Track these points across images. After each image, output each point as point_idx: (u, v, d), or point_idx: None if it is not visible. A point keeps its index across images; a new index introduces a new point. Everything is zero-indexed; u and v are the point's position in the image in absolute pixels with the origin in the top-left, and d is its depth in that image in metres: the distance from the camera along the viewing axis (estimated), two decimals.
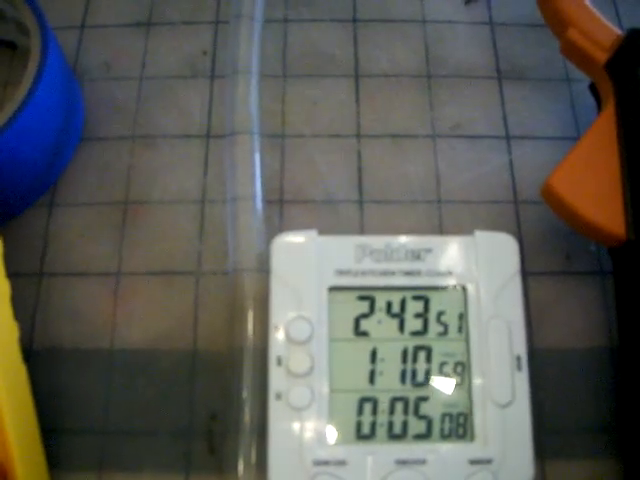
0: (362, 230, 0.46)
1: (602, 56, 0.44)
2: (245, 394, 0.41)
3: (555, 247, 0.46)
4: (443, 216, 0.46)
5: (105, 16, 0.53)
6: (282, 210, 0.46)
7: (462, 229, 0.42)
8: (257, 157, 0.46)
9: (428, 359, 0.39)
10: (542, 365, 0.43)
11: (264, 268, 0.42)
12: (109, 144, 0.49)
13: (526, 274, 0.44)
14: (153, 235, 0.46)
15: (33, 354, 0.43)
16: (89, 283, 0.45)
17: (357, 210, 0.47)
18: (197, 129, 0.49)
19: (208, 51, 0.52)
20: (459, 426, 0.38)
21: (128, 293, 0.44)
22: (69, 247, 0.46)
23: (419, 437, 0.38)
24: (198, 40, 0.52)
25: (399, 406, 0.39)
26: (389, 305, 0.40)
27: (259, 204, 0.45)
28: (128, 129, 0.49)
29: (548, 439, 0.41)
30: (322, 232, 0.41)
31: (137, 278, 0.45)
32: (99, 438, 0.41)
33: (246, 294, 0.43)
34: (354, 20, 0.53)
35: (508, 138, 0.49)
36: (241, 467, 0.39)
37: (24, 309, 0.44)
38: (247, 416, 0.40)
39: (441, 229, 0.46)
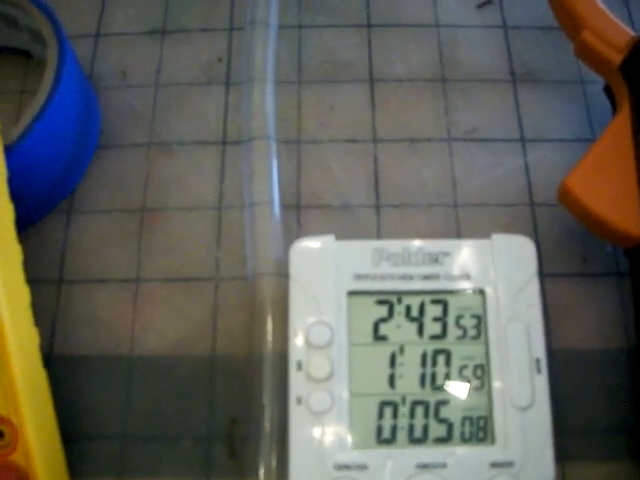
0: (379, 234, 0.46)
1: (617, 57, 0.44)
2: (265, 399, 0.41)
3: (572, 249, 0.46)
4: (460, 220, 0.46)
5: (120, 24, 0.53)
6: (299, 215, 0.47)
7: (479, 232, 0.42)
8: (274, 163, 0.47)
9: (447, 363, 0.39)
10: (560, 367, 0.43)
11: (282, 273, 0.42)
12: (126, 151, 0.49)
13: (543, 276, 0.44)
14: (171, 242, 0.46)
15: (53, 360, 0.43)
16: (108, 290, 0.45)
17: (374, 214, 0.47)
18: (213, 135, 0.49)
19: (223, 58, 0.52)
20: (479, 429, 0.38)
21: (147, 300, 0.45)
22: (87, 254, 0.46)
23: (440, 441, 0.38)
24: (213, 47, 0.52)
25: (419, 410, 0.39)
26: (408, 309, 0.40)
27: (276, 209, 0.45)
28: (145, 136, 0.49)
29: (567, 441, 0.41)
30: (339, 237, 0.41)
31: (156, 285, 0.45)
32: (119, 444, 0.41)
33: (265, 299, 0.43)
34: (368, 25, 0.53)
35: (523, 141, 0.49)
36: (262, 472, 0.40)
37: (44, 316, 0.44)
38: (267, 421, 0.40)
39: (458, 233, 0.46)
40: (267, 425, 0.40)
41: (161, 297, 0.45)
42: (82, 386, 0.43)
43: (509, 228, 0.44)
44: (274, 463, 0.40)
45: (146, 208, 0.47)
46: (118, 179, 0.48)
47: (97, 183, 0.48)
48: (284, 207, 0.46)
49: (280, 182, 0.46)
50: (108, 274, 0.45)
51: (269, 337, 0.42)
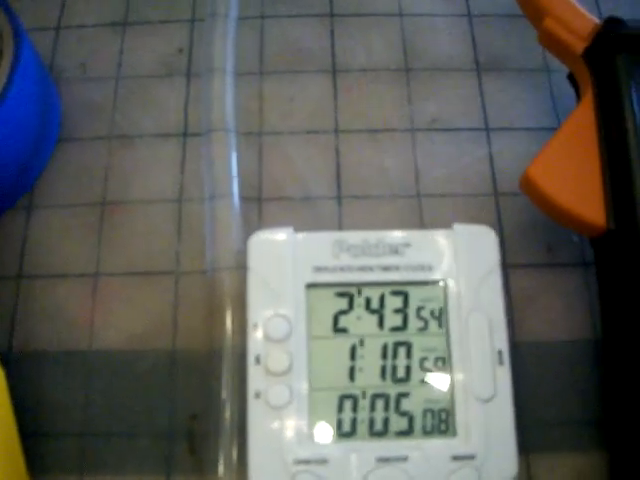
0: (341, 226, 0.46)
1: (580, 45, 0.43)
2: (225, 394, 0.40)
3: (536, 239, 0.45)
4: (423, 210, 0.46)
5: (81, 17, 0.53)
6: (260, 208, 0.46)
7: (442, 223, 0.41)
8: (234, 155, 0.46)
9: (408, 355, 0.39)
10: (526, 358, 0.42)
11: (243, 266, 0.41)
12: (86, 145, 0.48)
13: (507, 267, 0.44)
14: (131, 235, 0.46)
15: (12, 357, 0.42)
16: (68, 285, 0.44)
17: (336, 206, 0.46)
18: (174, 128, 0.49)
19: (184, 49, 0.51)
20: (441, 422, 0.38)
21: (107, 294, 0.44)
22: (48, 249, 0.45)
23: (401, 434, 0.38)
24: (174, 39, 0.52)
25: (380, 403, 0.38)
26: (368, 301, 0.39)
27: (236, 202, 0.45)
28: (105, 129, 0.49)
29: (533, 433, 0.41)
30: (301, 229, 0.40)
31: (116, 279, 0.45)
32: (79, 441, 0.41)
33: (224, 293, 0.42)
34: (331, 15, 0.53)
35: (488, 130, 0.49)
36: (221, 468, 0.39)
37: (3, 312, 0.44)
38: (227, 416, 0.40)
39: (421, 223, 0.46)
40: (227, 420, 0.40)
41: (121, 291, 0.44)
42: (41, 382, 0.42)
43: (473, 218, 0.43)
44: (234, 459, 0.39)
45: (107, 202, 0.46)
46: (79, 173, 0.48)
47: (57, 177, 0.47)
48: (245, 199, 0.46)
49: (241, 174, 0.46)
50: (68, 269, 0.45)
51: (228, 331, 0.41)
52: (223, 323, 0.42)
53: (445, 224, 0.41)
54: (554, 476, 0.41)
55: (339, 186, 0.47)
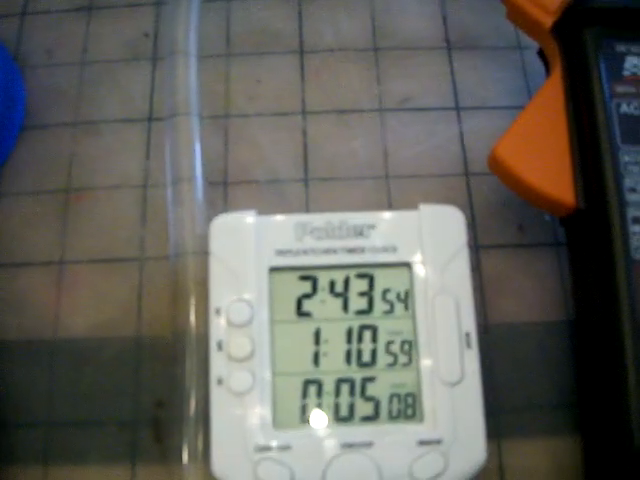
0: (308, 209, 0.45)
1: (548, 20, 0.42)
2: (189, 381, 0.40)
3: (508, 219, 0.44)
4: (392, 192, 0.45)
5: (46, 2, 0.52)
6: (226, 192, 0.45)
7: (412, 204, 0.40)
8: (197, 138, 0.45)
9: (374, 338, 0.38)
10: (497, 341, 0.42)
11: (207, 251, 0.40)
12: (51, 131, 0.48)
13: (478, 248, 0.43)
14: (96, 222, 0.45)
15: None
16: (32, 273, 0.44)
17: (302, 189, 0.46)
18: (139, 113, 0.48)
19: (150, 33, 0.51)
20: (408, 407, 0.37)
21: (71, 282, 0.44)
22: (12, 237, 0.45)
23: (366, 419, 0.37)
24: (140, 23, 0.51)
25: (345, 388, 0.37)
26: (332, 284, 0.39)
27: (200, 186, 0.44)
28: (70, 115, 0.48)
29: (504, 417, 0.40)
30: (268, 212, 0.39)
31: (80, 266, 0.44)
32: (44, 430, 0.41)
33: (188, 278, 0.42)
34: None
35: (458, 109, 0.48)
36: (186, 455, 0.38)
37: None
38: (192, 403, 0.39)
39: (390, 205, 0.45)
40: (191, 407, 0.39)
41: (85, 279, 0.44)
42: (5, 372, 0.42)
43: (443, 199, 0.42)
44: (200, 446, 0.39)
45: (71, 188, 0.46)
46: (43, 160, 0.47)
47: (22, 164, 0.47)
48: (211, 184, 0.45)
49: (206, 158, 0.45)
50: (32, 257, 0.44)
51: (192, 317, 0.41)
52: (187, 309, 0.41)
53: (414, 206, 0.40)
54: (527, 461, 0.40)
55: (306, 168, 0.46)
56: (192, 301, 0.41)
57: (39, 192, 0.46)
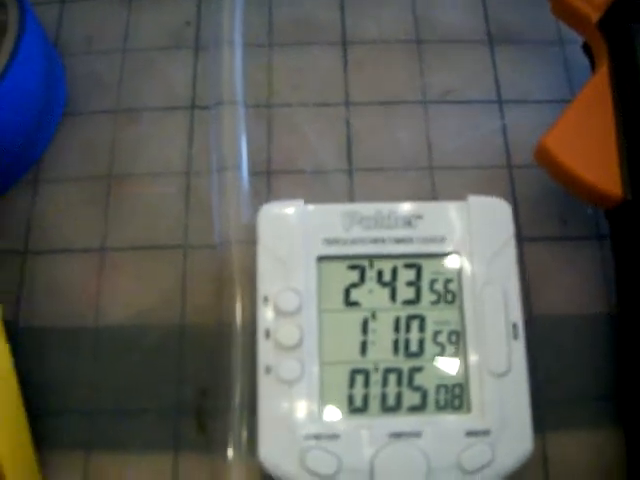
0: (352, 199, 0.45)
1: (594, 14, 0.43)
2: (235, 369, 0.40)
3: (551, 212, 0.45)
4: (436, 183, 0.45)
5: None
6: (270, 181, 0.45)
7: (455, 196, 0.40)
8: (242, 127, 0.45)
9: (421, 328, 0.38)
10: (540, 333, 0.42)
11: (252, 240, 0.40)
12: (92, 118, 0.48)
13: (522, 240, 0.43)
14: (139, 209, 0.45)
15: (18, 333, 0.42)
16: (75, 260, 0.44)
17: (347, 179, 0.46)
18: (181, 101, 0.48)
19: (192, 22, 0.51)
20: (455, 397, 0.37)
21: (113, 269, 0.44)
22: (54, 223, 0.45)
23: (414, 409, 0.37)
24: (181, 11, 0.51)
25: (392, 377, 0.37)
26: (380, 274, 0.39)
27: (245, 175, 0.44)
28: (111, 103, 0.48)
29: (548, 409, 0.40)
30: (312, 202, 0.39)
31: (123, 253, 0.44)
32: (86, 417, 0.40)
33: (234, 267, 0.42)
34: None
35: (500, 102, 0.48)
36: (231, 445, 0.39)
37: (9, 288, 0.43)
38: (237, 392, 0.39)
39: (434, 196, 0.45)
40: (237, 396, 0.39)
41: (128, 266, 0.44)
42: (48, 359, 0.42)
43: (486, 191, 0.41)
44: (244, 436, 0.39)
45: (113, 175, 0.46)
46: (85, 146, 0.47)
47: (63, 151, 0.47)
48: (254, 173, 0.45)
49: (250, 147, 0.45)
50: (75, 243, 0.44)
51: (238, 305, 0.41)
52: (232, 297, 0.41)
53: (458, 197, 0.40)
54: (570, 453, 0.40)
55: (350, 159, 0.46)
56: (238, 289, 0.41)
57: (80, 179, 0.46)
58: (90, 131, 0.47)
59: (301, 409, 0.36)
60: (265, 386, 0.37)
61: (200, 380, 0.41)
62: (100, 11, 0.51)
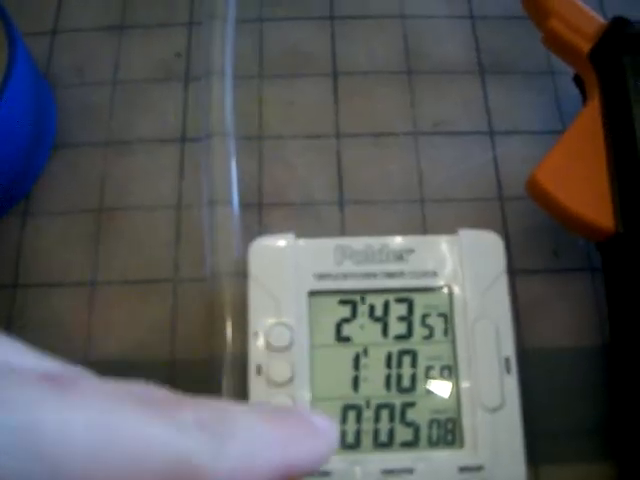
0: (343, 232, 0.45)
1: (585, 46, 0.43)
2: None
3: (543, 244, 0.45)
4: (426, 215, 0.45)
5: (77, 20, 0.52)
6: (261, 213, 0.45)
7: (446, 228, 0.40)
8: (233, 160, 0.45)
9: (413, 363, 0.38)
10: (532, 365, 0.41)
11: (242, 273, 0.40)
12: (83, 150, 0.47)
13: (513, 272, 0.43)
14: (129, 242, 0.45)
15: None
16: (64, 293, 0.44)
17: (338, 211, 0.45)
18: (172, 133, 0.48)
19: (182, 53, 0.51)
20: (447, 432, 0.37)
21: (104, 302, 0.43)
22: (43, 257, 0.45)
23: (406, 445, 0.37)
24: (171, 42, 0.51)
25: (385, 413, 0.37)
26: (372, 309, 0.39)
27: (236, 208, 0.44)
28: (102, 134, 0.48)
29: (540, 443, 0.40)
30: (303, 235, 0.40)
31: (113, 287, 0.44)
32: None
33: (224, 300, 0.41)
34: (331, 17, 0.52)
35: (492, 133, 0.48)
36: None
37: None
38: None
39: (425, 228, 0.45)
40: None
41: (118, 299, 0.43)
42: None
43: (477, 223, 0.42)
44: None
45: (103, 208, 0.46)
46: (75, 179, 0.47)
47: (53, 184, 0.47)
48: (245, 205, 0.45)
49: (241, 179, 0.45)
50: (64, 277, 0.44)
51: (228, 339, 0.40)
52: (223, 331, 0.41)
53: (449, 229, 0.40)
54: None
55: (341, 191, 0.46)
56: (229, 323, 0.41)
57: (71, 211, 0.45)
58: (81, 163, 0.47)
59: None
60: None
61: None
62: (90, 42, 0.51)
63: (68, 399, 0.17)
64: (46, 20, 0.52)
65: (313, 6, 0.52)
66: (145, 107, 0.49)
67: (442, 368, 0.38)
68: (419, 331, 0.38)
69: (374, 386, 0.38)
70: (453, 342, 0.38)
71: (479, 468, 0.36)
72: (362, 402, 0.37)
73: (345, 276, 0.39)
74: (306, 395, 0.37)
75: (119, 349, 0.42)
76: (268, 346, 0.37)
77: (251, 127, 0.48)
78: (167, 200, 0.46)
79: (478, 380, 0.37)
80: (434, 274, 0.39)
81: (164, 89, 0.49)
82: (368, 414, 0.37)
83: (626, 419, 0.39)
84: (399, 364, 0.38)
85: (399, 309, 0.38)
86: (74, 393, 0.18)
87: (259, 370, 0.37)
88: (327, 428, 0.24)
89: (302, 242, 0.39)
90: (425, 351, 0.38)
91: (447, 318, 0.38)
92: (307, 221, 0.45)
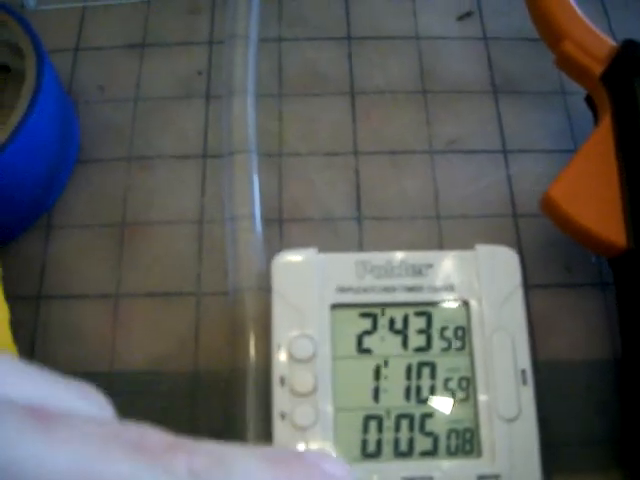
0: (361, 247, 0.46)
1: (597, 68, 0.44)
2: (249, 415, 0.40)
3: (555, 260, 0.46)
4: (442, 231, 0.46)
5: (99, 38, 0.53)
6: (281, 229, 0.46)
7: (461, 244, 0.41)
8: (255, 176, 0.46)
9: (432, 375, 0.39)
10: (545, 378, 0.42)
11: (264, 287, 0.41)
12: (105, 166, 0.48)
13: (527, 287, 0.44)
14: (152, 256, 0.46)
15: None
16: (88, 305, 0.44)
17: (356, 227, 0.47)
18: (193, 149, 0.49)
19: (203, 71, 0.52)
20: (465, 442, 0.38)
21: (127, 315, 0.44)
22: (67, 269, 0.45)
23: (425, 454, 0.38)
24: (193, 60, 0.52)
25: (404, 423, 0.38)
26: (392, 321, 0.40)
27: (258, 223, 0.45)
28: (124, 150, 0.49)
29: (554, 453, 0.41)
30: (322, 250, 0.41)
31: (136, 300, 0.44)
32: None
33: (247, 314, 0.42)
34: (348, 38, 0.53)
35: (505, 152, 0.49)
36: None
37: (23, 333, 0.43)
38: (251, 437, 0.40)
39: (440, 244, 0.46)
40: (251, 442, 0.39)
41: (142, 312, 0.44)
42: None
43: (492, 239, 0.43)
44: None
45: (126, 223, 0.47)
46: (98, 194, 0.48)
47: (76, 198, 0.48)
48: (266, 220, 0.46)
49: (261, 195, 0.46)
50: (88, 289, 0.45)
51: (251, 352, 0.41)
52: (246, 344, 0.41)
53: (464, 245, 0.41)
54: None
55: (359, 207, 0.47)
56: (251, 336, 0.42)
57: (94, 225, 0.46)
58: (103, 179, 0.48)
59: None
60: (280, 432, 0.38)
61: (213, 426, 0.41)
62: (113, 60, 0.52)
63: (52, 437, 0.17)
64: (69, 37, 0.53)
65: (331, 27, 0.54)
66: (166, 123, 0.50)
67: (460, 379, 0.39)
68: (438, 343, 0.39)
69: (394, 397, 0.38)
70: (471, 354, 0.39)
71: (496, 477, 0.37)
72: (383, 412, 0.38)
73: (366, 290, 0.40)
74: (328, 405, 0.38)
75: (143, 361, 0.43)
76: (291, 358, 0.38)
77: (271, 144, 0.49)
78: (189, 215, 0.47)
79: (495, 391, 0.38)
80: (452, 288, 0.40)
81: (185, 106, 0.50)
82: (388, 424, 0.38)
83: (636, 430, 0.40)
84: (418, 376, 0.39)
85: (418, 322, 0.40)
86: (60, 431, 0.17)
87: (282, 381, 0.38)
88: (340, 476, 0.21)
89: (324, 257, 0.40)
90: (444, 363, 0.39)
91: (465, 331, 0.39)
92: (326, 236, 0.46)
